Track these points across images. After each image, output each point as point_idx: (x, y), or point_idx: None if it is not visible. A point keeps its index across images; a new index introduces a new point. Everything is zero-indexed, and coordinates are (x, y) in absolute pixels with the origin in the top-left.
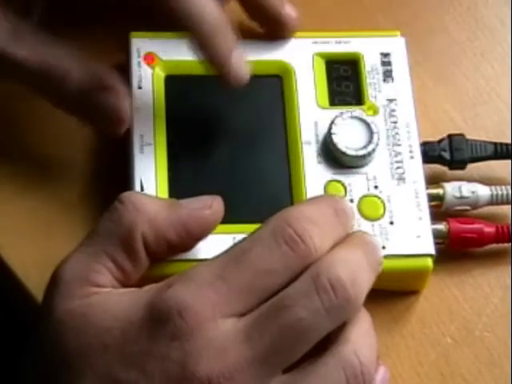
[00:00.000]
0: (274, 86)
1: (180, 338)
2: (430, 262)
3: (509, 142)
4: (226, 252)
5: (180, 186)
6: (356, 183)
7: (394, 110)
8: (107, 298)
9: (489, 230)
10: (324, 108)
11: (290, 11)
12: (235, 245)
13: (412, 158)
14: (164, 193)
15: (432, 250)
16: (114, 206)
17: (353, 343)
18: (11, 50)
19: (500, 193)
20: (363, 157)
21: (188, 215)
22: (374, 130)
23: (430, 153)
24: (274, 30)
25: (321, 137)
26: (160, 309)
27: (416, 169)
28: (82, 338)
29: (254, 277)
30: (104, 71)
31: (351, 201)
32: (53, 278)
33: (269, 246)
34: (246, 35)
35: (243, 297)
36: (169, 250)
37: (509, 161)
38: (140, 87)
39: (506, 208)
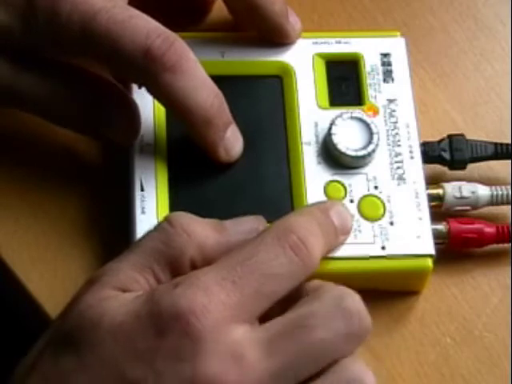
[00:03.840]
0: (274, 86)
1: (191, 336)
2: (429, 262)
3: (509, 142)
4: (230, 256)
5: (180, 186)
6: (356, 184)
7: (394, 111)
8: (127, 295)
9: (489, 230)
10: (324, 108)
11: (293, 20)
12: (239, 249)
13: (412, 158)
14: (164, 193)
15: (432, 251)
16: (163, 227)
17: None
18: (14, 84)
19: (500, 193)
20: (363, 157)
21: (237, 240)
22: (374, 130)
23: (430, 153)
24: (276, 39)
25: (321, 137)
26: (169, 307)
27: (416, 169)
28: (96, 329)
29: (262, 281)
30: (107, 88)
31: (351, 201)
32: (90, 279)
33: (274, 251)
34: (247, 35)
35: (254, 301)
36: None
37: (509, 161)
38: (140, 87)
39: (506, 208)
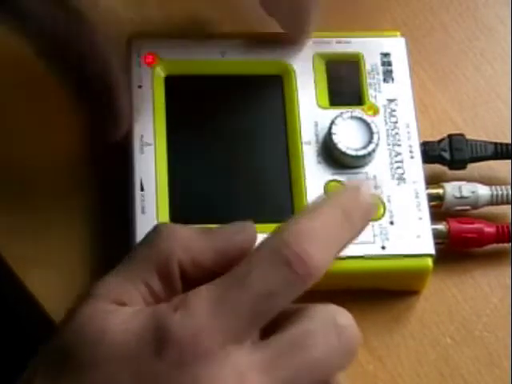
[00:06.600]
0: (275, 85)
1: (192, 362)
2: (429, 262)
3: (509, 141)
4: (226, 275)
5: (180, 186)
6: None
7: (394, 110)
8: (126, 310)
9: (489, 229)
10: (324, 108)
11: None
12: (234, 267)
13: (412, 158)
14: (164, 193)
15: (432, 250)
16: (149, 235)
17: None
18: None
19: (500, 193)
20: (363, 157)
21: (223, 241)
22: (374, 130)
23: (430, 153)
24: (295, 41)
25: (321, 137)
26: (170, 332)
27: (416, 169)
28: (97, 347)
29: (257, 300)
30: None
31: None
32: (84, 294)
33: (269, 269)
34: (247, 35)
35: (249, 322)
36: (205, 276)
37: (509, 161)
38: (140, 87)
39: (506, 208)
